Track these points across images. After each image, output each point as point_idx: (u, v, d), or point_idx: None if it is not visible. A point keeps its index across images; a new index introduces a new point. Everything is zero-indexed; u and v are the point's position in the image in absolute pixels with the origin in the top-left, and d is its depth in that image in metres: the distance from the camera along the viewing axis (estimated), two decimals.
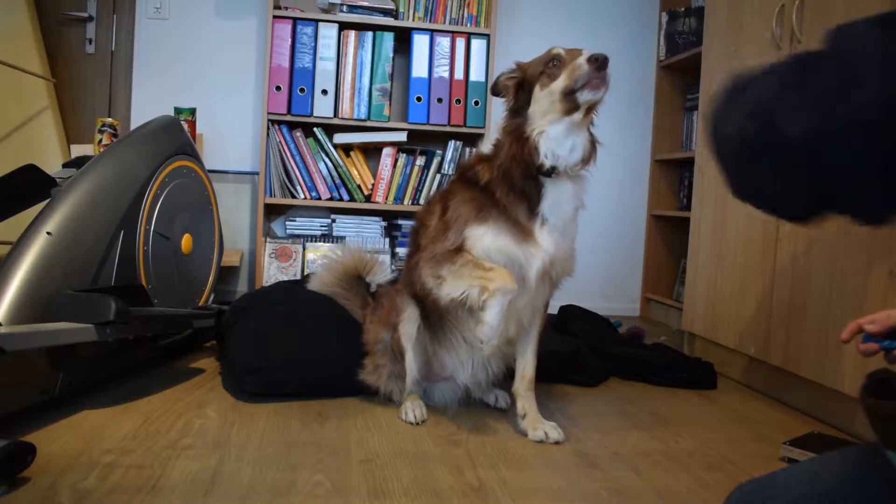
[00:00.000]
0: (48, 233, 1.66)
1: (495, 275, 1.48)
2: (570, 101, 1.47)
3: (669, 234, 3.53)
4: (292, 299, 2.07)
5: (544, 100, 1.51)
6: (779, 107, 0.68)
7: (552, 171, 1.53)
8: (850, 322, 0.97)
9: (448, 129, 3.13)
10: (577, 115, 1.49)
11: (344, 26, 3.06)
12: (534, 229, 1.54)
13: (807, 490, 0.84)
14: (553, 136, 1.51)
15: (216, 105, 3.23)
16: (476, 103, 3.12)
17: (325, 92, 3.03)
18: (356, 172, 3.15)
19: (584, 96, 1.46)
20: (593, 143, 1.57)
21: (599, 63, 1.42)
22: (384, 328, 1.76)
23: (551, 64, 1.50)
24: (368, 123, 3.09)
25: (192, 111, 2.81)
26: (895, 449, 0.78)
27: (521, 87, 1.57)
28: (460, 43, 3.11)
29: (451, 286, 1.53)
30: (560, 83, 1.48)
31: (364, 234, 3.18)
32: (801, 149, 0.67)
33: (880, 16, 0.67)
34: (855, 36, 0.67)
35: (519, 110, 1.57)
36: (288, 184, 3.08)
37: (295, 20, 3.01)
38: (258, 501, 1.21)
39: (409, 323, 1.72)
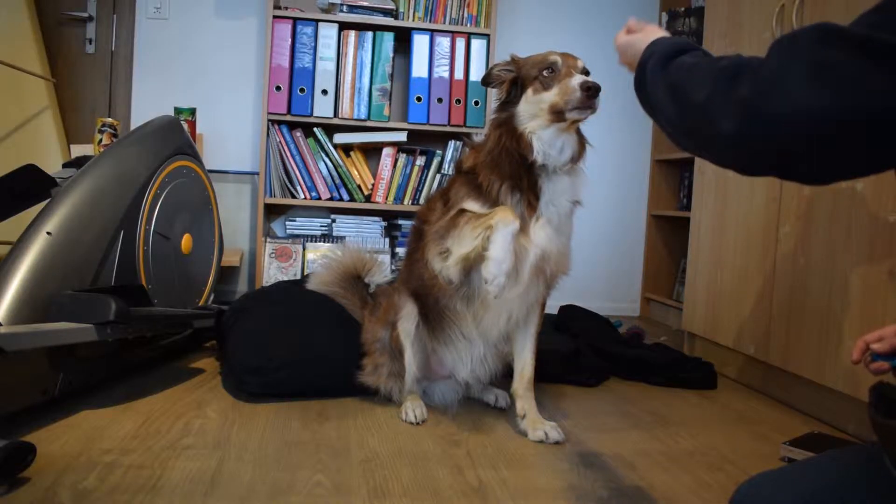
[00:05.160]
0: (48, 233, 1.66)
1: (495, 213, 1.49)
2: (557, 115, 1.51)
3: (669, 234, 3.53)
4: (292, 299, 2.07)
5: (534, 105, 1.54)
6: (710, 106, 0.77)
7: (543, 168, 1.55)
8: (858, 335, 0.97)
9: (448, 129, 3.13)
10: (563, 125, 1.53)
11: (344, 26, 3.06)
12: (528, 223, 1.55)
13: (815, 485, 0.84)
14: (545, 139, 1.54)
15: (216, 105, 3.22)
16: (476, 103, 3.12)
17: (325, 92, 3.03)
18: (356, 172, 3.15)
19: (571, 115, 1.50)
20: (582, 142, 1.60)
21: (591, 92, 1.45)
22: (382, 327, 1.77)
23: (547, 71, 1.53)
24: (368, 123, 3.09)
25: (192, 111, 2.81)
26: None
27: (514, 83, 1.59)
28: (460, 43, 3.11)
29: (457, 250, 1.53)
30: (550, 98, 1.51)
31: (364, 234, 3.18)
32: (731, 142, 0.76)
33: (822, 27, 0.69)
34: (791, 46, 0.71)
35: (508, 103, 1.60)
36: (288, 184, 3.08)
37: (295, 20, 3.01)
38: (258, 501, 1.22)
39: (407, 320, 1.72)
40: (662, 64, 0.90)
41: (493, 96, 1.70)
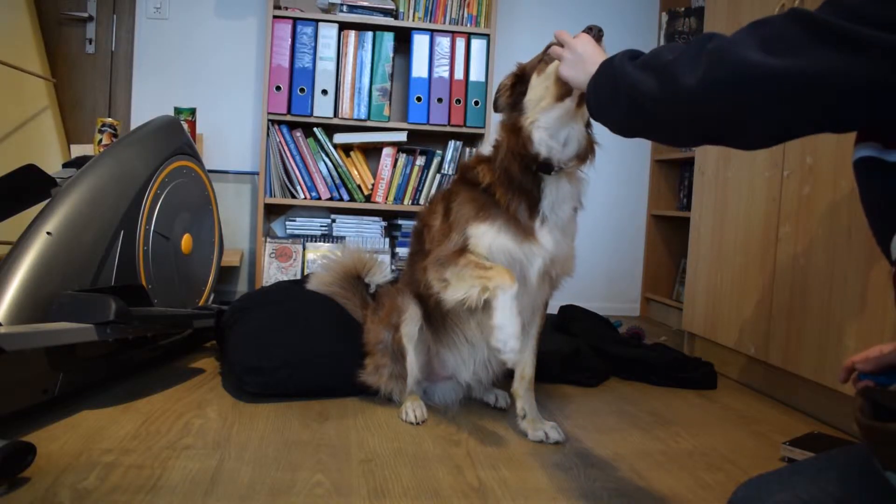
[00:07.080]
0: (48, 233, 1.66)
1: (494, 273, 1.47)
2: (564, 86, 1.42)
3: (669, 234, 3.53)
4: (292, 299, 2.07)
5: (539, 85, 1.50)
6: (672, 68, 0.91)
7: (549, 166, 1.51)
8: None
9: (448, 129, 3.13)
10: (570, 102, 1.45)
11: (344, 26, 3.06)
12: (534, 228, 1.54)
13: (815, 485, 0.84)
14: (545, 125, 1.49)
15: (216, 105, 3.23)
16: (476, 103, 3.12)
17: (325, 92, 3.03)
18: (356, 172, 3.15)
19: None
20: (591, 142, 1.55)
21: (594, 34, 1.34)
22: (385, 328, 1.76)
23: (549, 55, 1.49)
24: (368, 123, 3.09)
25: (192, 111, 2.81)
26: (895, 469, 0.77)
27: (519, 82, 1.57)
28: (460, 43, 3.11)
29: (454, 289, 1.53)
30: (556, 63, 1.41)
31: (364, 234, 3.18)
32: (691, 96, 0.87)
33: (795, 10, 0.81)
34: (764, 21, 0.83)
35: (516, 105, 1.56)
36: (288, 184, 3.08)
37: (295, 20, 3.01)
38: (258, 501, 1.22)
39: (410, 323, 1.72)
40: (630, 57, 1.05)
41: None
